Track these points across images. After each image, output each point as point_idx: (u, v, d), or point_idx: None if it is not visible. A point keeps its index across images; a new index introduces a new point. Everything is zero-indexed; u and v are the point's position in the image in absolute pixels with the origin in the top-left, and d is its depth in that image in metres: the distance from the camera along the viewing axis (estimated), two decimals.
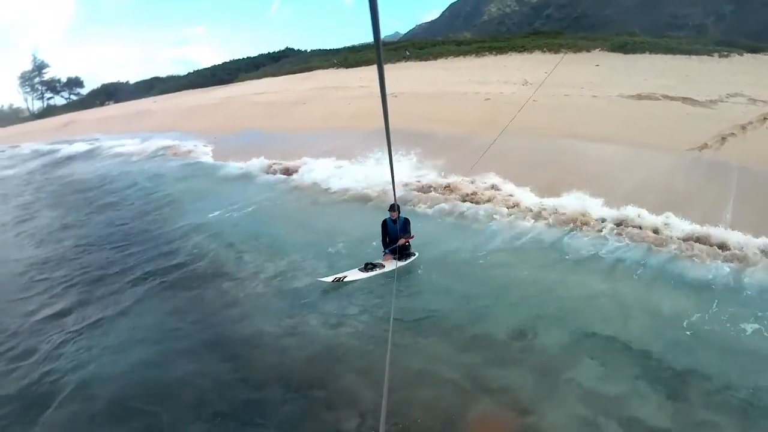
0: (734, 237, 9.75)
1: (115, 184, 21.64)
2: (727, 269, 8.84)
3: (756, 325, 7.09)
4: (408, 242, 9.59)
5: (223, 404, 6.43)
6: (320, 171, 17.77)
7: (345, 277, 9.05)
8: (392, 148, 3.18)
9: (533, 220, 11.81)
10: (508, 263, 9.83)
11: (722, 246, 9.62)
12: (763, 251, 9.20)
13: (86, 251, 12.89)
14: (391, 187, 4.62)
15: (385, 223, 9.60)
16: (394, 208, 9.24)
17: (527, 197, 13.01)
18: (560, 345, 7.08)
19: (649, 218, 10.86)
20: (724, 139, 15.87)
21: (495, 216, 12.23)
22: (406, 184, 15.02)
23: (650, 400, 6.00)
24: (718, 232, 10.02)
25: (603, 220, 11.14)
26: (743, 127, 16.62)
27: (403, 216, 9.67)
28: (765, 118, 17.18)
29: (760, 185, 12.18)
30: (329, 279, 8.99)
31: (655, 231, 10.47)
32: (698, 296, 8.12)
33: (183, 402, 6.55)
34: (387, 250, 9.58)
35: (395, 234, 9.44)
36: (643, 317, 7.64)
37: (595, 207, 11.72)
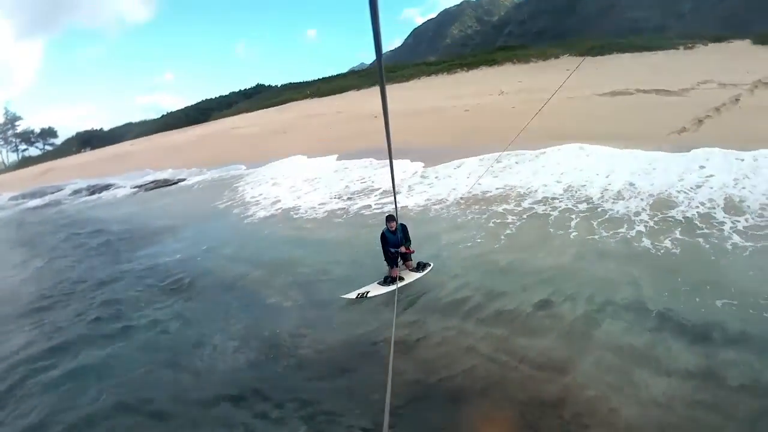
0: None
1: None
2: None
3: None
4: (409, 253, 9.36)
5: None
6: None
7: (368, 292, 9.00)
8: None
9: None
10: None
11: None
12: None
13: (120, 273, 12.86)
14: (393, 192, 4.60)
15: (383, 235, 9.20)
16: (391, 218, 9.03)
17: None
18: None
19: None
20: (700, 121, 16.51)
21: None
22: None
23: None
24: None
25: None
26: (717, 109, 17.31)
27: (401, 223, 9.25)
28: (737, 99, 17.93)
29: None
30: (353, 295, 8.94)
31: None
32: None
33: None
34: (393, 250, 9.22)
35: (396, 243, 9.11)
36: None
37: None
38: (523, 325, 7.27)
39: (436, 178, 16.79)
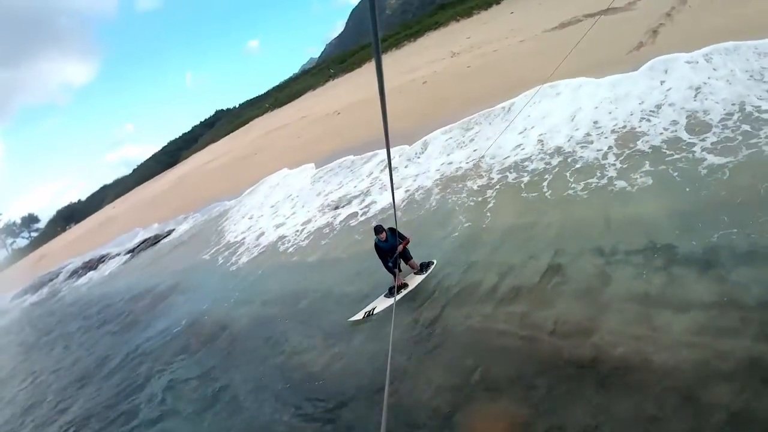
0: None
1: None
2: None
3: None
4: (406, 246, 9.05)
5: None
6: None
7: (374, 309, 8.87)
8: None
9: None
10: None
11: None
12: None
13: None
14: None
15: (377, 246, 8.85)
16: (379, 230, 8.63)
17: None
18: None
19: None
20: (655, 32, 16.34)
21: None
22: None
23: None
24: None
25: None
26: (668, 15, 17.15)
27: (388, 228, 8.84)
28: (684, 1, 17.76)
29: None
30: (360, 316, 8.82)
31: None
32: None
33: None
34: (390, 263, 8.89)
35: (392, 246, 8.74)
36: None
37: None
38: (539, 296, 7.20)
39: (408, 162, 16.75)
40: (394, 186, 3.92)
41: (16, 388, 15.47)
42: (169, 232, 28.64)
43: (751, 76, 10.77)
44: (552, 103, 14.75)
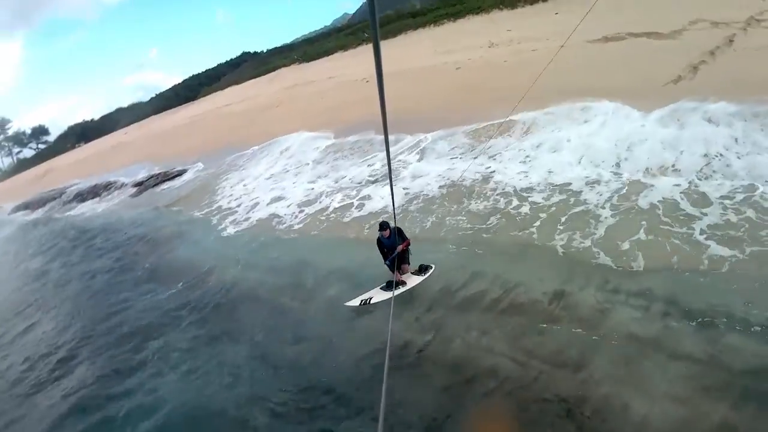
0: None
1: None
2: None
3: None
4: (407, 247, 9.26)
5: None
6: None
7: (371, 299, 9.10)
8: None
9: None
10: None
11: None
12: None
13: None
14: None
15: (379, 241, 9.16)
16: (384, 227, 8.91)
17: None
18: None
19: None
20: (695, 68, 16.34)
21: None
22: None
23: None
24: None
25: None
26: (712, 53, 17.07)
27: (395, 226, 8.90)
28: (730, 40, 17.63)
29: None
30: (356, 303, 9.07)
31: None
32: None
33: None
34: (387, 262, 9.23)
35: (393, 244, 9.00)
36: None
37: None
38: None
39: (420, 156, 16.92)
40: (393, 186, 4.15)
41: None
42: (180, 173, 28.78)
43: None
44: (577, 130, 14.89)
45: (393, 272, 9.06)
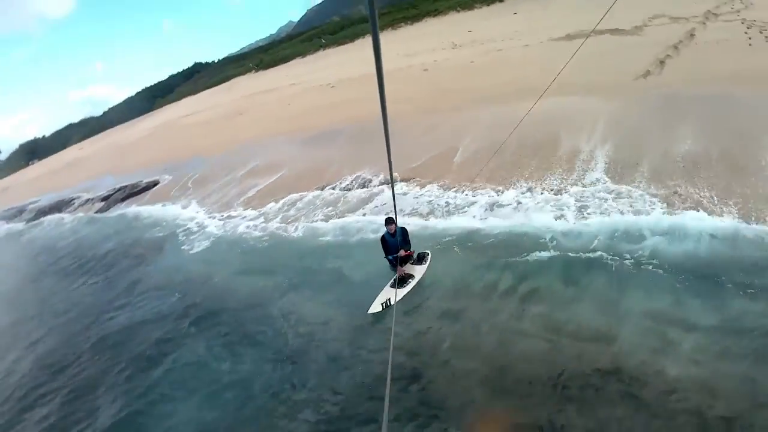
0: None
1: None
2: None
3: None
4: (408, 255, 9.32)
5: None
6: None
7: (389, 299, 8.99)
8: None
9: None
10: None
11: None
12: None
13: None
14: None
15: (384, 239, 9.15)
16: (390, 221, 8.89)
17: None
18: None
19: None
20: (662, 62, 17.09)
21: None
22: None
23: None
24: None
25: None
26: (675, 47, 17.92)
27: (400, 226, 9.11)
28: (692, 34, 18.57)
29: None
30: (378, 308, 8.91)
31: None
32: None
33: None
34: (391, 257, 9.24)
35: (395, 247, 9.04)
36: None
37: None
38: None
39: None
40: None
41: None
42: (150, 185, 27.66)
43: None
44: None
45: (395, 268, 9.23)
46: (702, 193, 9.58)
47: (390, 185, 4.04)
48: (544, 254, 9.24)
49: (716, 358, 6.19)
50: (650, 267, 8.05)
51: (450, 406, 6.62)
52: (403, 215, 12.54)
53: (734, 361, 6.09)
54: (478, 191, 12.60)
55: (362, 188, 15.66)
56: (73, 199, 32.55)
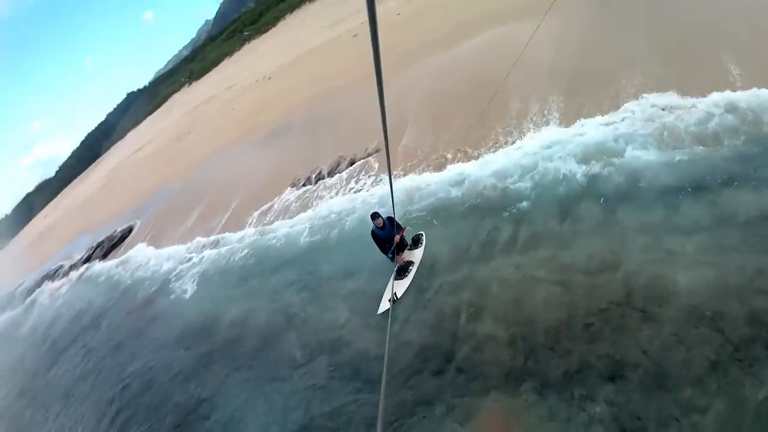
0: None
1: None
2: None
3: None
4: (403, 235, 9.06)
5: None
6: None
7: (395, 294, 8.79)
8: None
9: None
10: None
11: None
12: None
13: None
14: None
15: (374, 233, 8.90)
16: (376, 216, 8.66)
17: None
18: None
19: None
20: None
21: None
22: None
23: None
24: None
25: None
26: None
27: (387, 216, 8.87)
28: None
29: None
30: (387, 306, 8.65)
31: None
32: None
33: None
34: (390, 255, 9.06)
35: (389, 236, 8.82)
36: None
37: None
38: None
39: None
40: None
41: None
42: (126, 231, 26.93)
43: None
44: None
45: (394, 260, 9.10)
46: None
47: (389, 185, 3.93)
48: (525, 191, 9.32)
49: (721, 254, 6.24)
50: (634, 180, 8.09)
51: (489, 374, 6.61)
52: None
53: (739, 253, 6.13)
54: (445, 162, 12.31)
55: (331, 177, 15.40)
56: (56, 270, 31.57)
